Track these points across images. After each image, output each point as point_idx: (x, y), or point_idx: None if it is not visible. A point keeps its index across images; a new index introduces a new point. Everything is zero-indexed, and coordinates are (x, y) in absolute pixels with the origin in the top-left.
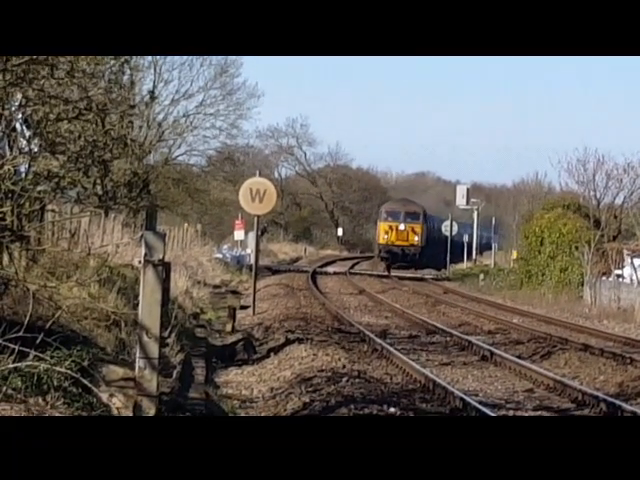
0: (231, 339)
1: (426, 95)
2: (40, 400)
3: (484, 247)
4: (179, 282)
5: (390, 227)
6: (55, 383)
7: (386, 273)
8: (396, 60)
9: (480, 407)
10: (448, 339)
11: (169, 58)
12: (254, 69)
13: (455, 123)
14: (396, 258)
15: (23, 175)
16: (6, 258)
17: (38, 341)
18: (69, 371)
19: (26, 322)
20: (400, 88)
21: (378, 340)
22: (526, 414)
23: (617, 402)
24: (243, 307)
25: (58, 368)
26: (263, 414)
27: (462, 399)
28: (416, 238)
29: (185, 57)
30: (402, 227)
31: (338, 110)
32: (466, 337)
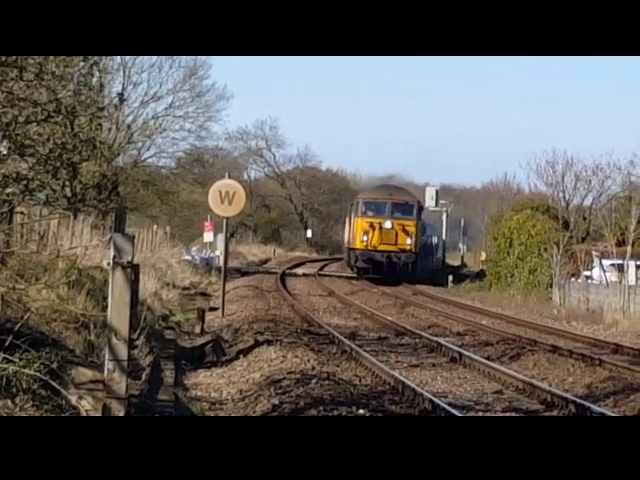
0: (200, 341)
1: (396, 97)
2: (9, 402)
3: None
4: (148, 284)
5: (371, 225)
6: (24, 385)
7: (355, 275)
8: (365, 61)
9: (449, 409)
10: (417, 341)
11: (138, 60)
12: (223, 71)
13: (425, 125)
14: (380, 269)
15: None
16: None
17: (7, 343)
18: (38, 373)
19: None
20: (369, 90)
21: (347, 342)
22: (495, 415)
23: (586, 404)
24: (212, 309)
25: (27, 370)
26: (232, 416)
27: (431, 401)
28: (408, 241)
29: (154, 59)
30: (389, 225)
31: (307, 112)
32: (435, 339)
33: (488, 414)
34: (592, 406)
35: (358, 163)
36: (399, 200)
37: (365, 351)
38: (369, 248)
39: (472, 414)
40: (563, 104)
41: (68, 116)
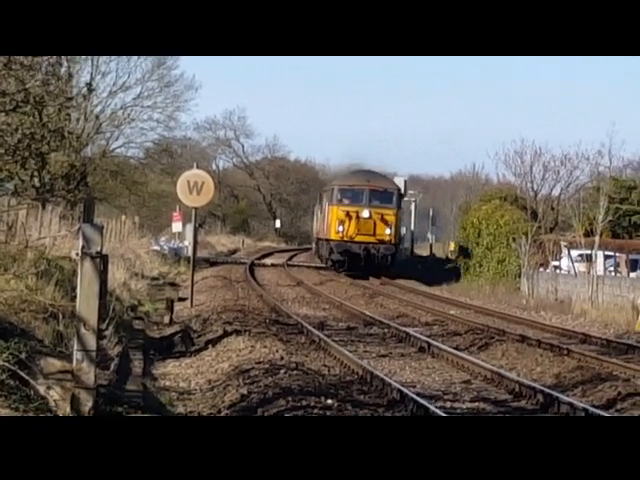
0: (169, 331)
1: (364, 88)
2: None
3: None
4: (117, 274)
5: (348, 214)
6: None
7: (324, 265)
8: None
9: (418, 399)
10: (386, 330)
11: None
12: (191, 61)
13: (393, 115)
14: (357, 262)
15: None
16: None
17: None
18: (6, 363)
19: None
20: (338, 82)
21: (316, 332)
22: (463, 406)
23: (554, 393)
24: (181, 299)
25: None
26: (201, 406)
27: (400, 390)
28: (387, 231)
29: None
30: (366, 214)
31: (276, 102)
32: (404, 329)
33: (456, 404)
34: (560, 396)
35: (328, 153)
36: (378, 187)
37: (334, 341)
38: (345, 239)
39: (440, 404)
40: (533, 95)
41: (36, 106)
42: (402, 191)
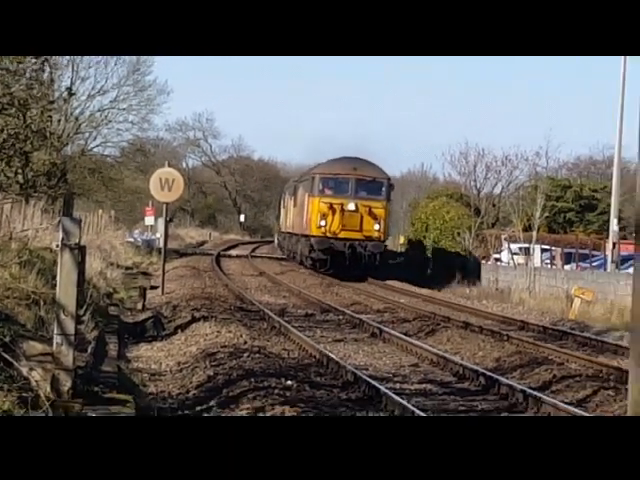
0: (142, 317)
1: (322, 88)
2: None
3: None
4: (94, 264)
5: (331, 207)
6: None
7: (284, 256)
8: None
9: (370, 380)
10: (341, 317)
11: (86, 58)
12: (163, 64)
13: (348, 114)
14: (341, 261)
15: None
16: None
17: None
18: None
19: None
20: (299, 82)
21: (277, 318)
22: (412, 387)
23: (495, 376)
24: (153, 287)
25: None
26: (171, 386)
27: (354, 373)
28: (376, 226)
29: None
30: (352, 207)
31: (241, 104)
32: (357, 315)
33: (405, 386)
34: (500, 378)
35: (290, 153)
36: (365, 176)
37: (293, 327)
38: (328, 235)
39: (390, 385)
40: (477, 98)
41: (21, 108)
42: (392, 181)
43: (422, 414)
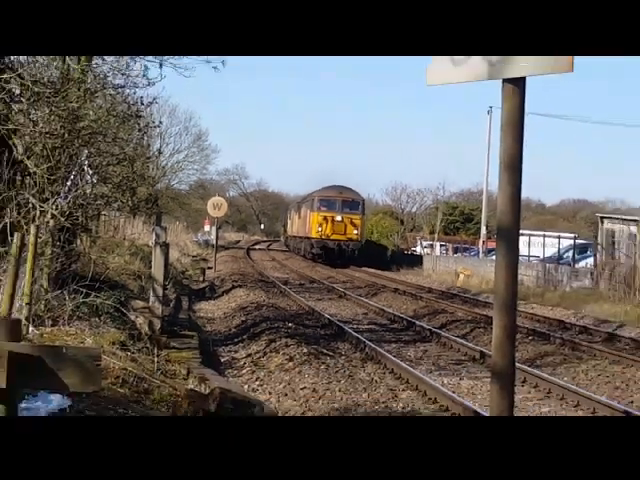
0: (202, 285)
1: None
2: (97, 319)
3: None
4: (173, 254)
5: (325, 218)
6: (106, 310)
7: (287, 250)
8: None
9: (338, 323)
10: (321, 286)
11: (169, 130)
12: (217, 134)
13: (338, 153)
14: (332, 255)
15: (88, 195)
16: (79, 241)
17: (96, 286)
18: (113, 303)
19: (89, 276)
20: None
21: (282, 286)
22: (363, 327)
23: (412, 320)
24: (209, 268)
25: (108, 302)
26: (220, 326)
27: (329, 318)
28: (355, 231)
29: (176, 129)
30: (339, 218)
31: (262, 155)
32: (331, 285)
33: (359, 326)
34: (416, 321)
35: (292, 185)
36: (348, 198)
37: (292, 291)
38: (323, 237)
39: (350, 325)
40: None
41: (130, 162)
42: (365, 201)
43: (371, 344)
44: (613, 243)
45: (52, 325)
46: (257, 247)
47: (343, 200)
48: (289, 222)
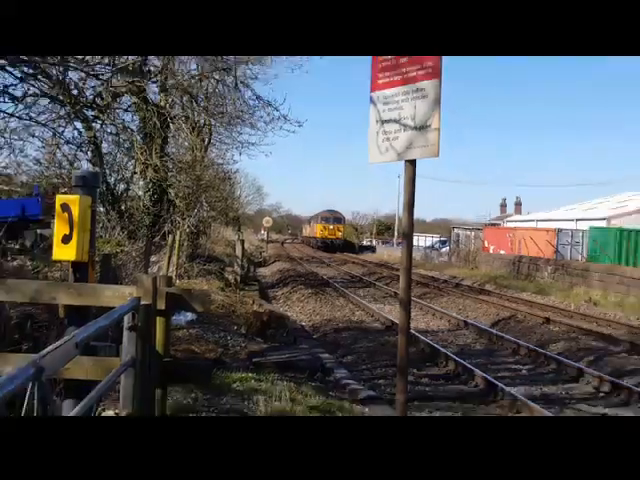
0: (259, 260)
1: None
2: (209, 276)
3: None
4: (246, 244)
5: (324, 226)
6: (213, 272)
7: (302, 243)
8: None
9: (329, 280)
10: (319, 260)
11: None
12: (268, 182)
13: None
14: (327, 246)
15: (205, 217)
16: (201, 239)
17: (209, 260)
18: (217, 268)
19: (206, 255)
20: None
21: (299, 260)
22: (339, 280)
23: (363, 277)
24: (263, 252)
25: (215, 268)
26: (268, 280)
27: (322, 276)
28: (339, 234)
29: (246, 182)
30: (331, 227)
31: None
32: (324, 260)
33: (337, 280)
34: (363, 277)
35: (306, 207)
36: (336, 216)
37: (304, 263)
38: (323, 237)
39: (332, 280)
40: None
41: (225, 200)
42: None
43: (342, 289)
44: (457, 240)
45: (187, 279)
46: (287, 242)
47: (334, 217)
48: (304, 229)
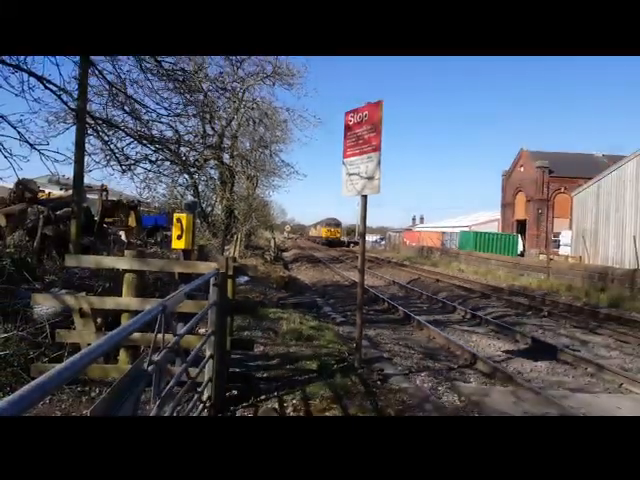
0: (284, 248)
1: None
2: (256, 257)
3: None
4: (277, 240)
5: (329, 230)
6: (258, 255)
7: (312, 241)
8: None
9: (320, 258)
10: (321, 250)
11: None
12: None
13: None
14: (330, 244)
15: (254, 225)
16: (252, 236)
17: (256, 248)
18: (261, 253)
19: (255, 245)
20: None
21: (308, 250)
22: (328, 259)
23: (341, 258)
24: (284, 244)
25: (259, 252)
26: (289, 259)
27: (317, 257)
28: (338, 235)
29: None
30: (332, 229)
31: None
32: (323, 249)
33: (326, 259)
34: (343, 258)
35: (311, 216)
36: (335, 223)
37: (309, 250)
38: (327, 237)
39: (324, 259)
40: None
41: (266, 217)
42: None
43: (329, 264)
44: (390, 237)
45: (245, 258)
46: (298, 240)
47: (334, 223)
48: (310, 231)
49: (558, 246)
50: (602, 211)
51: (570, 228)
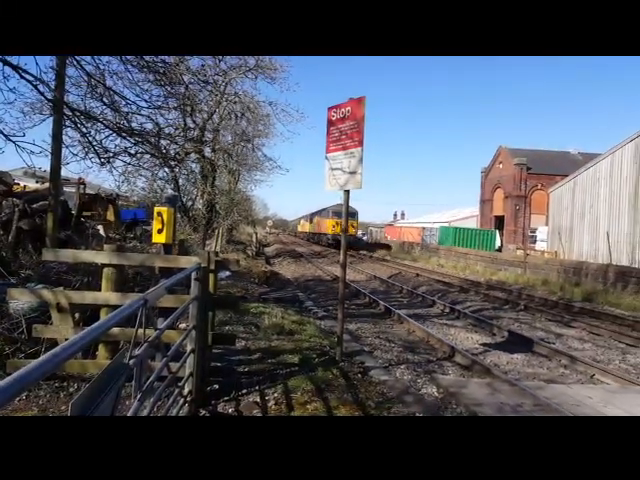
0: (265, 243)
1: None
2: (238, 252)
3: None
4: (258, 235)
5: (336, 222)
6: (240, 250)
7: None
8: None
9: (300, 252)
10: (323, 250)
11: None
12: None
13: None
14: (339, 243)
15: (235, 219)
16: (233, 231)
17: (238, 242)
18: (242, 248)
19: (237, 241)
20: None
21: (290, 245)
22: (307, 254)
23: (322, 253)
24: (266, 239)
25: (241, 247)
26: (271, 255)
27: (299, 252)
28: (353, 230)
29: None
30: (343, 222)
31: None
32: (327, 250)
33: (307, 255)
34: (321, 252)
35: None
36: (351, 210)
37: (290, 245)
38: (334, 233)
39: (304, 254)
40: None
41: (248, 212)
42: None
43: (310, 259)
44: (372, 233)
45: (226, 253)
46: (280, 234)
47: (351, 212)
48: (298, 227)
49: (535, 241)
50: (577, 207)
51: (546, 224)
